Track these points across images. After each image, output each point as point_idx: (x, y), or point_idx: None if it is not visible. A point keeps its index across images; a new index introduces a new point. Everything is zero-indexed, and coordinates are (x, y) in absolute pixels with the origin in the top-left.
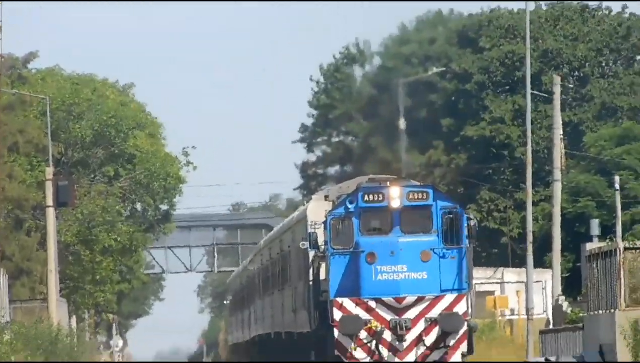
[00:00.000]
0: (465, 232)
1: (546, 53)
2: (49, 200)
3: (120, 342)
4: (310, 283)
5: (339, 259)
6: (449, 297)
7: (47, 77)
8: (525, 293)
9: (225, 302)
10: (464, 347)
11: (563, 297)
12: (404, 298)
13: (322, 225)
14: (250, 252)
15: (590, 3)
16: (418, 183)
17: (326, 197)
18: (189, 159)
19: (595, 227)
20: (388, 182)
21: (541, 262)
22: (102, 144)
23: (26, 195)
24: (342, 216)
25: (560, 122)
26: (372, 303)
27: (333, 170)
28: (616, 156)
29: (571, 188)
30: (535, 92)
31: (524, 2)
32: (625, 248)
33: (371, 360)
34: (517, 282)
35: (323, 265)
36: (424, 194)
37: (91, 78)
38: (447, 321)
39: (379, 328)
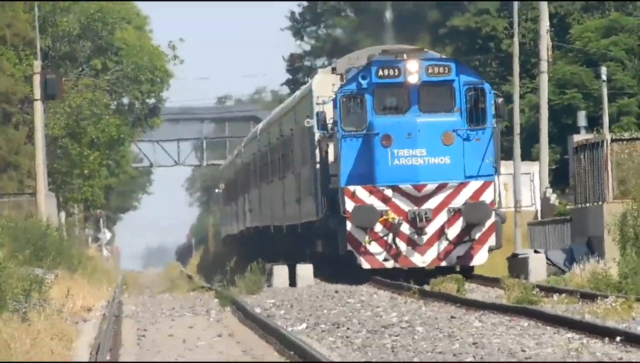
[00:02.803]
0: (492, 111)
1: None
2: (37, 94)
3: (109, 235)
4: (318, 166)
5: (350, 142)
6: (474, 184)
7: None
8: (513, 186)
9: (217, 190)
10: (491, 240)
11: (551, 190)
12: (423, 186)
13: (332, 102)
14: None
15: None
16: (438, 56)
17: (334, 69)
18: (175, 53)
19: (582, 118)
20: (405, 55)
21: (528, 154)
22: (89, 37)
23: (14, 89)
24: (353, 93)
25: (547, 14)
26: (389, 192)
27: (320, 62)
28: (603, 48)
29: (558, 80)
30: None
31: None
32: (612, 140)
33: (388, 256)
34: (505, 174)
35: (332, 146)
36: (446, 68)
37: None
38: (473, 211)
39: (396, 220)
